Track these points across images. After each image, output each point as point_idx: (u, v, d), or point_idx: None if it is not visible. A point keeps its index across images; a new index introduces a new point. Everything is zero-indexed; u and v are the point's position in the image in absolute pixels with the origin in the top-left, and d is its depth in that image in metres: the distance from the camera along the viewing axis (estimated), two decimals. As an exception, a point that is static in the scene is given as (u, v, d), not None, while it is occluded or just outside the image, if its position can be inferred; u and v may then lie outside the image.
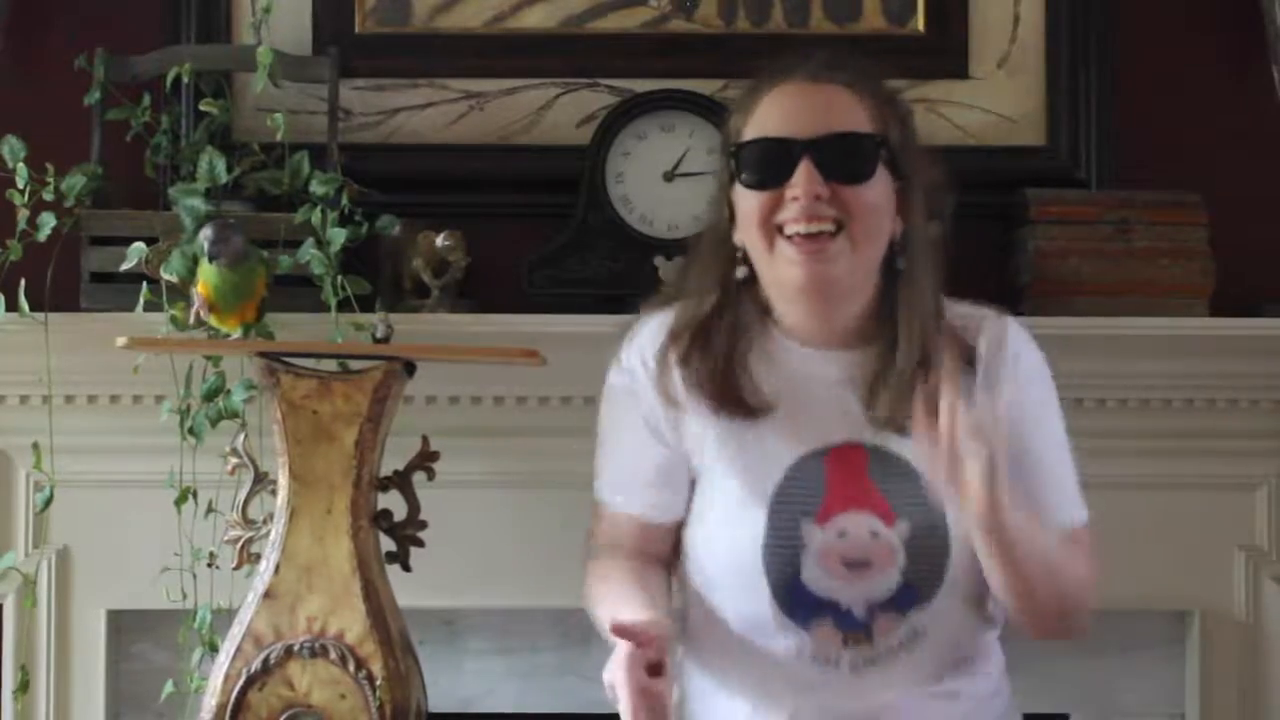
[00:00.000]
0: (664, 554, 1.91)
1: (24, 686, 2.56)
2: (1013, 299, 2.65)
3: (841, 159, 1.77)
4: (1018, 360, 1.85)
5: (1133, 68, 2.75)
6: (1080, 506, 1.87)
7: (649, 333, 1.91)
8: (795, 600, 1.77)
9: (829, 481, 1.77)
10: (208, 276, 2.25)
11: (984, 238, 2.68)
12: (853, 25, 2.75)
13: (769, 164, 1.78)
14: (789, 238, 1.76)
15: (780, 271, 1.78)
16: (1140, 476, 2.65)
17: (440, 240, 2.58)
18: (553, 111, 2.75)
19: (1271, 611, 2.68)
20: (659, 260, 2.60)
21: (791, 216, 1.76)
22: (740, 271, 1.84)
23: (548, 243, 2.64)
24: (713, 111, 2.63)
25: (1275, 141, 2.74)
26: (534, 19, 2.76)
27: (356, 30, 2.76)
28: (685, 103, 2.65)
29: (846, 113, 1.79)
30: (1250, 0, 2.71)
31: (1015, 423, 1.77)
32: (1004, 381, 1.81)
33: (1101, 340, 2.57)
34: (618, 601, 1.77)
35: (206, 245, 2.22)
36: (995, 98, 2.75)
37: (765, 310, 1.86)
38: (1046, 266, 2.60)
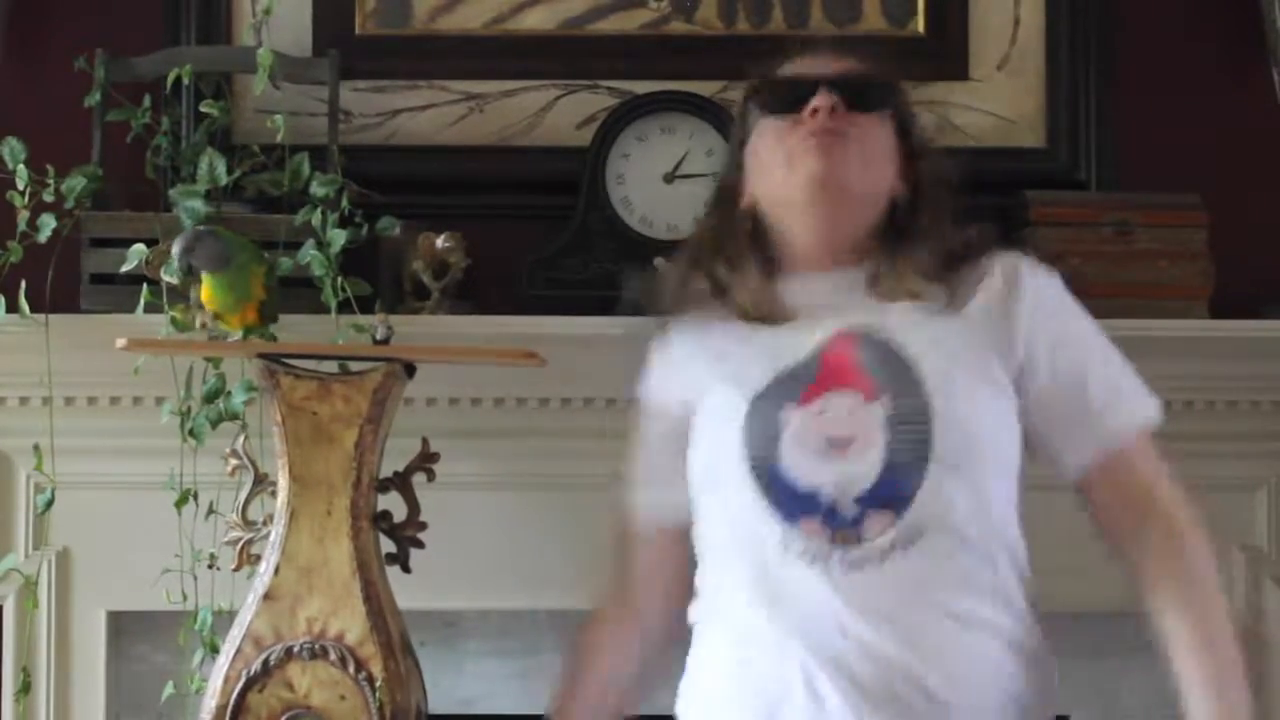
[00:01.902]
0: (654, 598, 1.93)
1: (25, 688, 2.56)
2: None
3: (857, 91, 1.85)
4: (1040, 277, 1.89)
5: (1133, 69, 2.75)
6: (1145, 403, 1.88)
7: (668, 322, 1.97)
8: (778, 490, 1.74)
9: (819, 374, 1.78)
10: (205, 282, 2.26)
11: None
12: (853, 26, 2.75)
13: (790, 92, 1.86)
14: (806, 134, 1.82)
15: (795, 172, 1.83)
16: (1140, 478, 2.65)
17: (440, 242, 2.58)
18: (553, 113, 2.75)
19: (1272, 612, 2.68)
20: (659, 261, 2.60)
21: (809, 128, 1.83)
22: (744, 225, 1.89)
23: (548, 244, 2.64)
24: (713, 113, 2.63)
25: (1275, 142, 2.74)
26: (534, 20, 2.76)
27: (356, 32, 2.76)
28: (685, 104, 2.65)
29: (860, 65, 1.89)
30: (1250, 1, 2.71)
31: (1047, 337, 1.82)
32: (1026, 294, 1.84)
33: (1101, 341, 2.57)
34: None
35: (177, 258, 2.22)
36: (995, 99, 2.75)
37: (770, 262, 1.89)
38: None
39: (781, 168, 1.84)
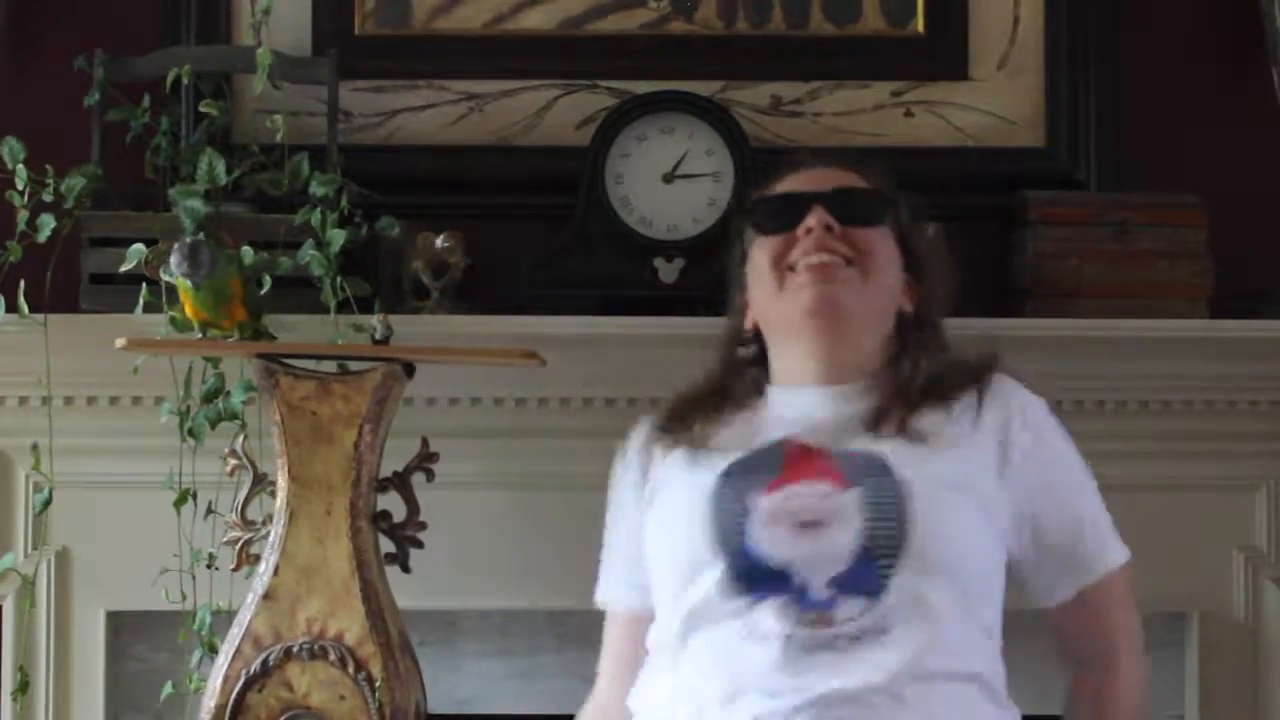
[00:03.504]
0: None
1: (23, 687, 2.56)
2: (1012, 301, 2.65)
3: (851, 207, 1.85)
4: (1033, 410, 1.86)
5: (1132, 69, 2.75)
6: (1120, 544, 1.90)
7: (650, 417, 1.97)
8: (748, 568, 1.71)
9: (786, 464, 1.76)
10: (185, 290, 2.26)
11: (983, 239, 2.68)
12: (852, 27, 2.75)
13: (784, 211, 1.86)
14: (801, 269, 1.82)
15: (790, 302, 1.82)
16: (1139, 478, 2.65)
17: (440, 241, 2.58)
18: (552, 113, 2.75)
19: (1271, 613, 2.68)
20: (658, 262, 2.60)
21: (804, 250, 1.82)
22: (746, 350, 1.91)
23: (547, 244, 2.64)
24: (712, 113, 2.63)
25: (1275, 142, 2.74)
26: (533, 20, 2.76)
27: (356, 32, 2.76)
28: (685, 104, 2.64)
29: (854, 178, 1.90)
30: (1250, 1, 2.71)
31: (1044, 478, 1.82)
32: (1021, 430, 1.83)
33: (1101, 342, 2.57)
34: None
35: (182, 272, 2.22)
36: (995, 99, 2.75)
37: (760, 383, 1.89)
38: (1046, 268, 2.60)
39: (776, 299, 1.84)
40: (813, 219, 1.82)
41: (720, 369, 1.93)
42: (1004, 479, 1.79)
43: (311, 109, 2.65)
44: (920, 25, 2.76)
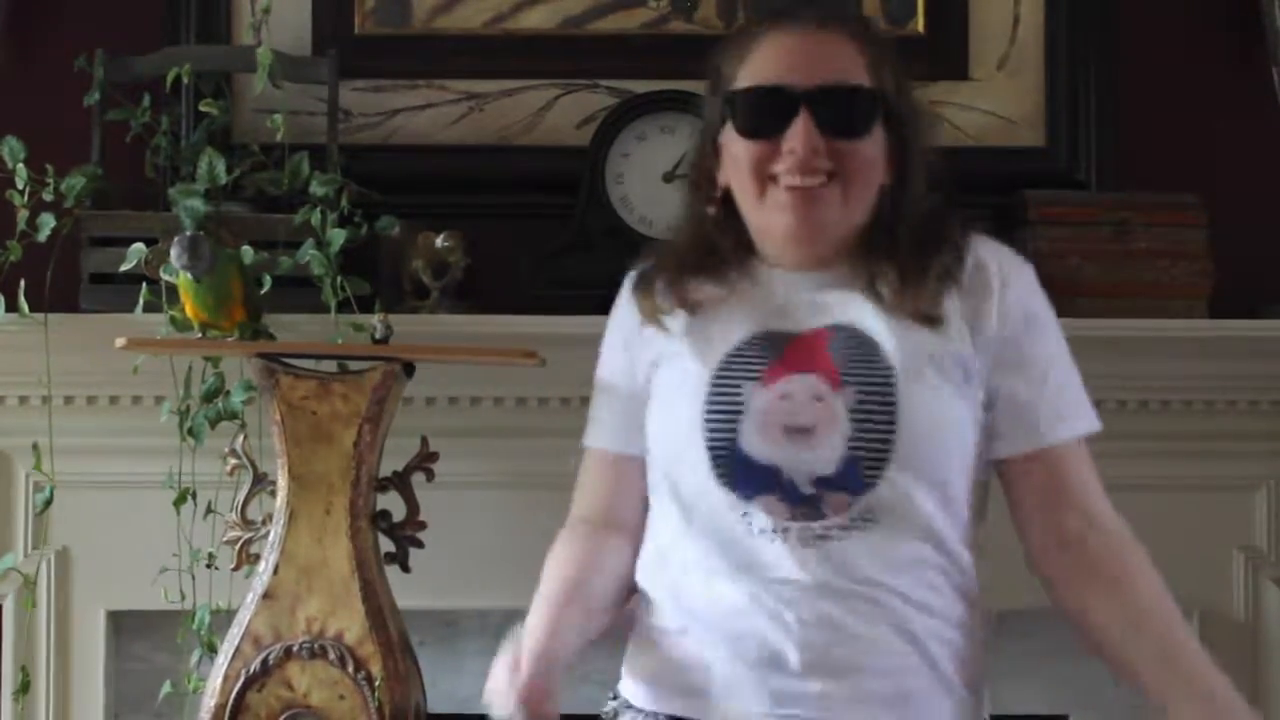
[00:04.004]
0: (634, 512, 1.88)
1: (24, 687, 2.56)
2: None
3: (840, 113, 1.76)
4: (1014, 271, 1.85)
5: (1132, 68, 2.75)
6: (1091, 413, 1.85)
7: (641, 268, 1.94)
8: (736, 469, 1.73)
9: (786, 353, 1.75)
10: (186, 285, 2.26)
11: (983, 239, 2.68)
12: (852, 26, 2.75)
13: (766, 113, 1.77)
14: (783, 188, 1.77)
15: (771, 218, 1.79)
16: (1139, 478, 2.64)
17: (440, 241, 2.58)
18: (552, 112, 2.75)
19: (1271, 613, 2.68)
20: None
21: (787, 168, 1.76)
22: (708, 211, 1.85)
23: (547, 244, 2.64)
24: (712, 112, 2.63)
25: (1275, 142, 2.74)
26: (534, 20, 2.76)
27: (356, 31, 2.76)
28: (685, 104, 2.64)
29: (846, 64, 1.78)
30: (1250, 0, 2.71)
31: (1016, 330, 1.80)
32: (999, 290, 1.81)
33: (1100, 341, 2.56)
34: (542, 607, 1.83)
35: (181, 265, 2.22)
36: (995, 99, 2.75)
37: (744, 244, 1.85)
38: (1046, 267, 2.56)
39: (755, 203, 1.79)
40: (796, 136, 1.74)
41: (701, 222, 1.87)
42: (978, 347, 1.79)
43: (311, 108, 2.65)
44: (920, 25, 2.76)
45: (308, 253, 2.45)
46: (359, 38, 2.75)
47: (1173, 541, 2.63)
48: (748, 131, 1.79)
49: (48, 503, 2.52)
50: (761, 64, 1.79)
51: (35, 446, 2.51)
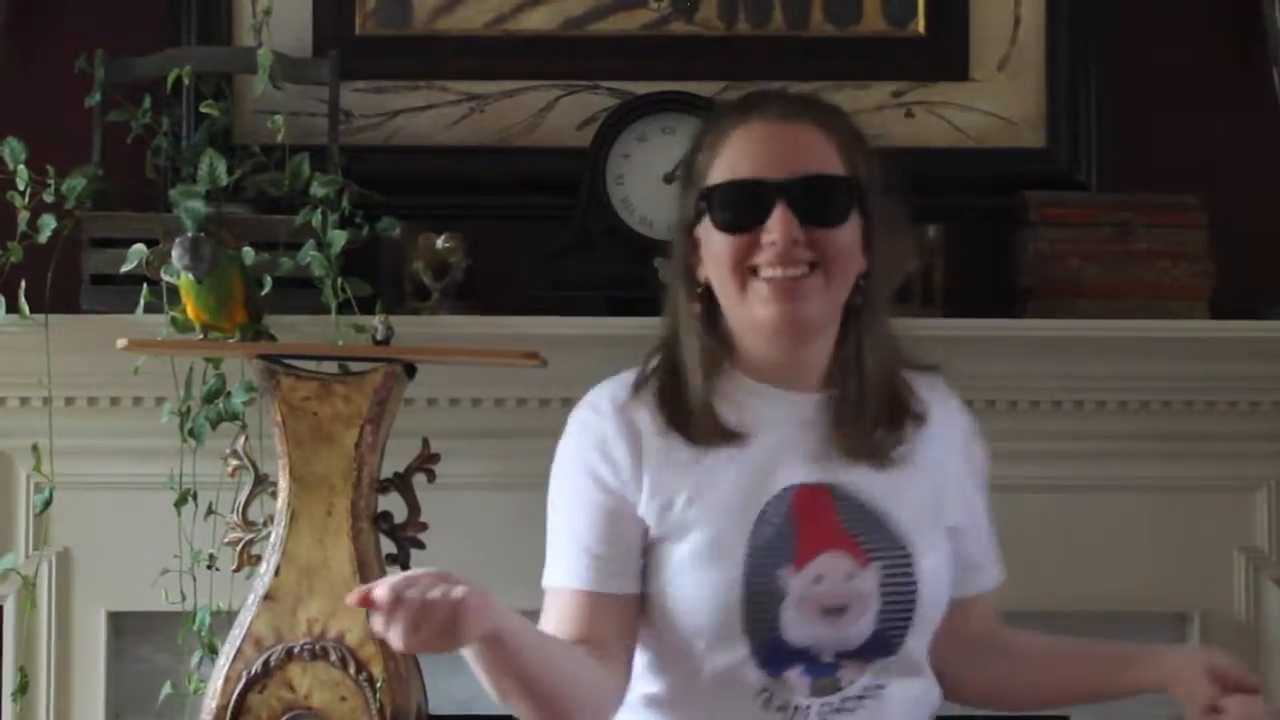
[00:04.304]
0: (613, 644, 1.78)
1: (24, 688, 2.56)
2: (1013, 301, 2.65)
3: (817, 202, 1.75)
4: (972, 424, 1.91)
5: (1133, 69, 2.75)
6: (1001, 567, 1.94)
7: (613, 384, 1.87)
8: (772, 651, 1.74)
9: (799, 523, 1.74)
10: (187, 286, 2.26)
11: (984, 240, 2.68)
12: (853, 27, 2.75)
13: (743, 206, 1.76)
14: (764, 280, 1.75)
15: (754, 311, 1.76)
16: (1140, 478, 2.65)
17: (440, 242, 2.58)
18: (553, 113, 2.75)
19: (1271, 613, 2.68)
20: (659, 262, 2.59)
21: (767, 260, 1.74)
22: (694, 309, 1.81)
23: (548, 245, 2.64)
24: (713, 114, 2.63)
25: (1275, 142, 2.74)
26: (534, 21, 2.76)
27: (357, 32, 2.76)
28: (686, 105, 2.64)
29: (819, 153, 1.77)
30: (1250, 1, 2.71)
31: (974, 487, 1.87)
32: (968, 445, 1.88)
33: (1101, 342, 2.57)
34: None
35: (183, 265, 2.22)
36: (995, 100, 2.75)
37: (725, 349, 1.82)
38: (1046, 269, 2.60)
39: (737, 298, 1.77)
40: (775, 228, 1.73)
41: (685, 324, 1.82)
42: (950, 497, 1.84)
43: (312, 109, 2.65)
44: (921, 26, 2.76)
45: (308, 254, 2.45)
46: (360, 39, 2.75)
47: (1173, 542, 2.65)
48: (726, 225, 1.76)
49: (48, 504, 2.52)
50: (735, 157, 1.78)
51: (35, 447, 2.51)
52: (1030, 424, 2.62)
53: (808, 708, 1.74)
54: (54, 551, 2.64)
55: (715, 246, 1.78)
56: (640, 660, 1.81)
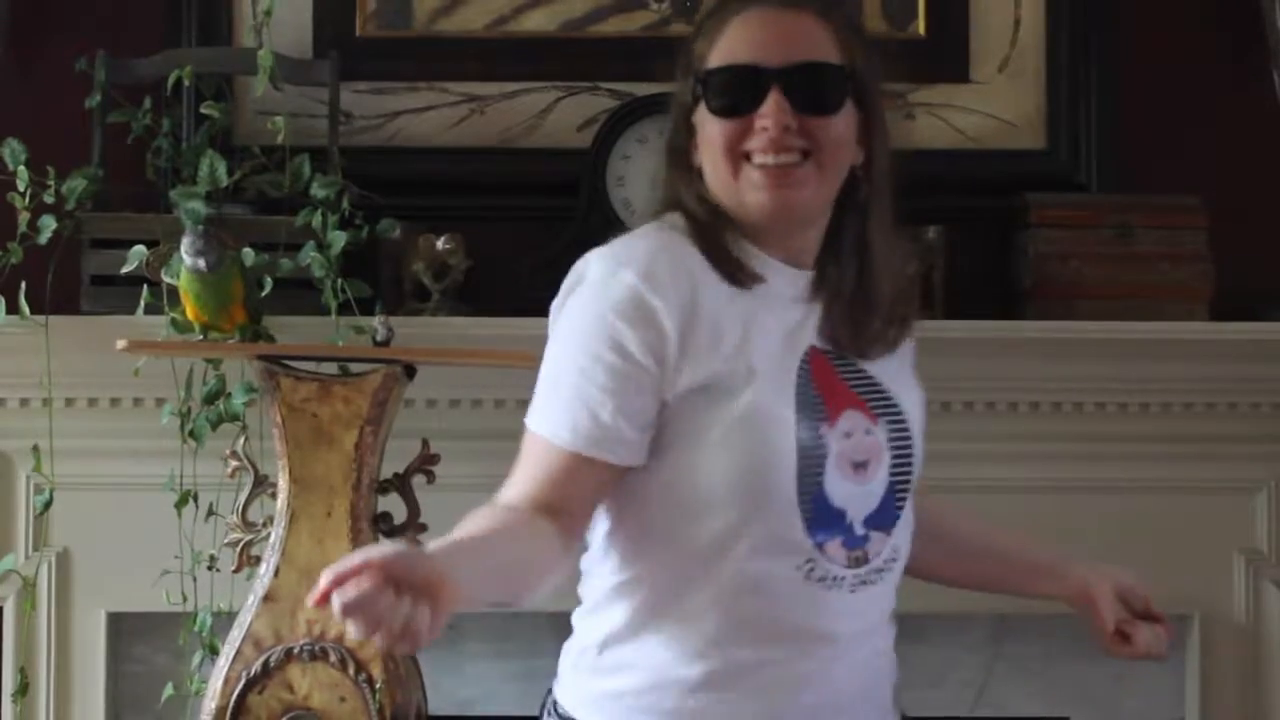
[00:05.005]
0: (580, 513, 1.73)
1: (24, 689, 2.56)
2: (1013, 303, 2.65)
3: (811, 90, 1.75)
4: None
5: (1133, 71, 2.75)
6: None
7: (644, 244, 1.78)
8: (818, 512, 1.71)
9: (820, 383, 1.75)
10: (188, 286, 2.26)
11: (984, 242, 2.68)
12: (853, 28, 2.75)
13: (738, 91, 1.75)
14: (756, 165, 1.74)
15: (746, 196, 1.76)
16: (1140, 480, 2.65)
17: (441, 243, 2.58)
18: (554, 115, 2.75)
19: (1271, 615, 2.68)
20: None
21: (759, 146, 1.74)
22: (691, 192, 1.80)
23: (548, 246, 2.63)
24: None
25: (1275, 144, 2.74)
26: (535, 22, 2.76)
27: (357, 33, 2.76)
28: (686, 106, 2.64)
29: (816, 42, 1.77)
30: (1250, 2, 2.71)
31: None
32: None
33: (1102, 344, 2.57)
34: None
35: (190, 255, 2.22)
36: (996, 101, 2.75)
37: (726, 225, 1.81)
38: (1047, 270, 2.60)
39: (730, 183, 1.76)
40: (768, 113, 1.72)
41: (693, 198, 1.79)
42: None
43: (313, 111, 2.65)
44: (921, 28, 2.76)
45: (309, 255, 2.45)
46: (360, 40, 2.75)
47: (1174, 543, 2.65)
48: (720, 110, 1.76)
49: (48, 504, 2.52)
50: (733, 43, 1.78)
51: (36, 448, 2.51)
52: (1030, 425, 2.62)
53: (843, 579, 1.73)
54: (54, 552, 2.64)
55: (709, 130, 1.77)
56: (623, 546, 1.76)
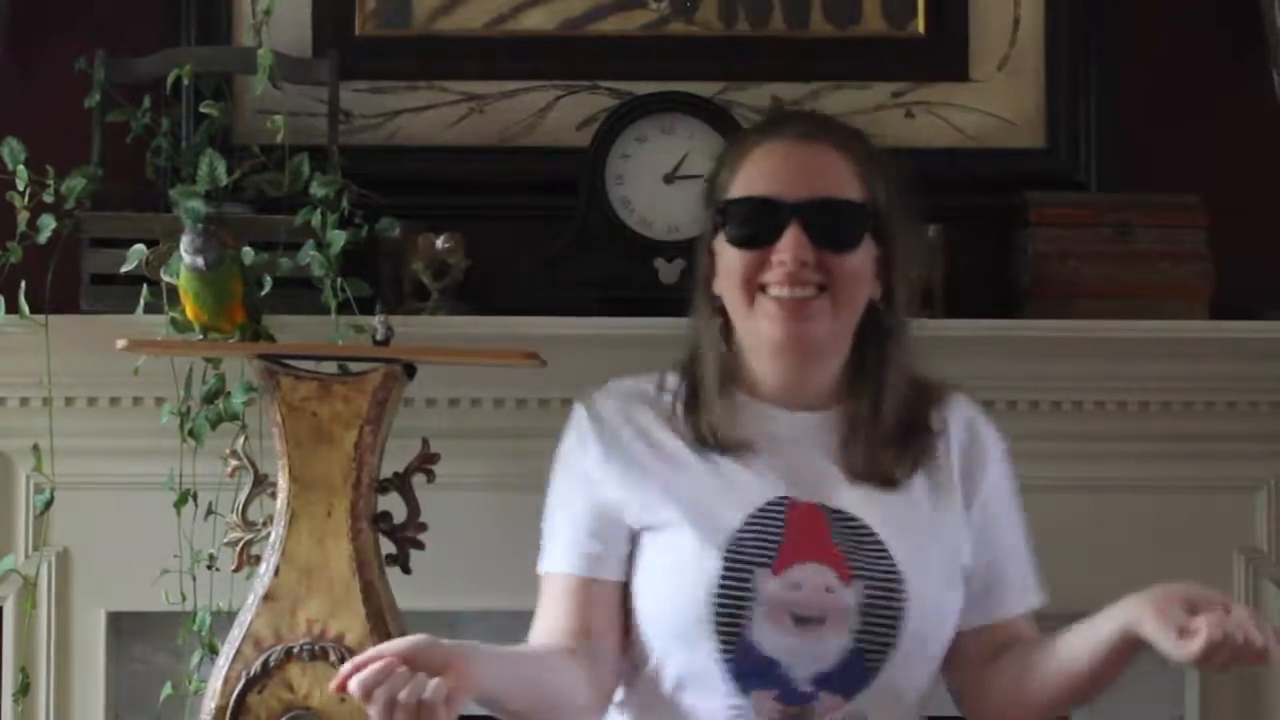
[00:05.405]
0: (603, 632, 1.81)
1: (24, 689, 2.56)
2: (1012, 302, 2.65)
3: (829, 226, 1.75)
4: (995, 444, 1.86)
5: (1132, 69, 2.75)
6: (1039, 591, 1.89)
7: (621, 381, 1.90)
8: (741, 658, 1.71)
9: (788, 534, 1.73)
10: (187, 284, 2.26)
11: (983, 240, 2.68)
12: (853, 28, 2.75)
13: (756, 223, 1.77)
14: (771, 297, 1.76)
15: (760, 328, 1.77)
16: (1139, 479, 2.65)
17: (440, 242, 2.58)
18: (553, 114, 2.75)
19: (1271, 614, 2.67)
20: (659, 262, 2.60)
21: (775, 279, 1.75)
22: (713, 323, 1.83)
23: (548, 245, 2.64)
24: (713, 114, 2.63)
25: (1275, 142, 2.74)
26: (534, 21, 2.76)
27: (357, 32, 2.76)
28: (685, 105, 2.64)
29: (836, 176, 1.78)
30: (1250, 1, 2.71)
31: (997, 507, 1.83)
32: (986, 465, 1.84)
33: (1101, 343, 2.57)
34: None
35: (188, 253, 2.22)
36: (995, 100, 2.75)
37: (735, 368, 1.83)
38: (1046, 269, 2.60)
39: (745, 313, 1.78)
40: (785, 248, 1.74)
41: (704, 334, 1.84)
42: (965, 519, 1.81)
43: (312, 110, 2.65)
44: (921, 26, 2.75)
45: (308, 254, 2.45)
46: (360, 39, 2.75)
47: (1173, 543, 2.65)
48: (738, 240, 1.78)
49: (48, 504, 2.52)
50: (752, 175, 1.79)
51: (36, 448, 2.51)
52: (1030, 424, 2.62)
53: None
54: (54, 552, 2.64)
55: (727, 260, 1.79)
56: (627, 671, 1.82)
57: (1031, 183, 2.66)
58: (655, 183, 2.64)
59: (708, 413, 1.80)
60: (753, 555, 1.72)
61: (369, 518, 2.21)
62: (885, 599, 1.72)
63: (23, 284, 2.45)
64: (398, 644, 1.56)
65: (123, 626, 2.67)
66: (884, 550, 1.74)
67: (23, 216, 2.47)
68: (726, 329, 1.82)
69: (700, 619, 1.72)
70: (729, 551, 1.73)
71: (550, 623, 1.83)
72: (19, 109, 2.68)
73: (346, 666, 1.52)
